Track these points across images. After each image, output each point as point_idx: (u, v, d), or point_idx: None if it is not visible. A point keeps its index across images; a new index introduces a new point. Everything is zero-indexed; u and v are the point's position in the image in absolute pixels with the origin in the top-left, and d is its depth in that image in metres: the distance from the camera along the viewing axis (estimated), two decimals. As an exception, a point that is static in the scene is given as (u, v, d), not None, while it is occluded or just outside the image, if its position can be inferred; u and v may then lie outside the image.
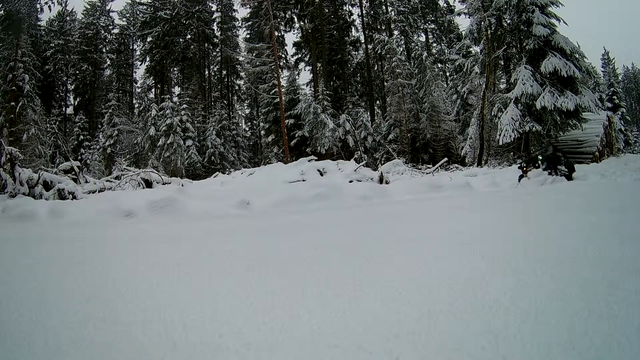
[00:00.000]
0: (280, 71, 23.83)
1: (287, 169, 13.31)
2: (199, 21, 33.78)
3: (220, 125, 27.66)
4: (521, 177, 9.57)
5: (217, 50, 35.07)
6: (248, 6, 30.12)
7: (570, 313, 1.13)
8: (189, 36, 33.98)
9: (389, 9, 31.05)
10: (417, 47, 27.21)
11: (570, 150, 16.57)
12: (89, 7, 35.00)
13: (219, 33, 35.19)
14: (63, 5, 30.34)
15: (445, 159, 15.94)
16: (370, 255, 2.11)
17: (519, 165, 10.35)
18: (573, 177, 9.90)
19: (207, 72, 35.79)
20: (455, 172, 13.96)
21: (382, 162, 19.64)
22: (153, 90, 34.45)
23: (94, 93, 33.17)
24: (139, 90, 35.71)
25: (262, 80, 26.80)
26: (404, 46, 29.27)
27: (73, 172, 11.30)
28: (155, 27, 32.85)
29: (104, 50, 35.03)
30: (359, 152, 21.30)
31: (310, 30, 29.06)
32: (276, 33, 26.09)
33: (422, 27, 32.12)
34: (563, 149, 16.71)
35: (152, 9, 34.09)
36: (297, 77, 27.78)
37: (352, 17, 31.16)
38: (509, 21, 17.13)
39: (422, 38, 32.63)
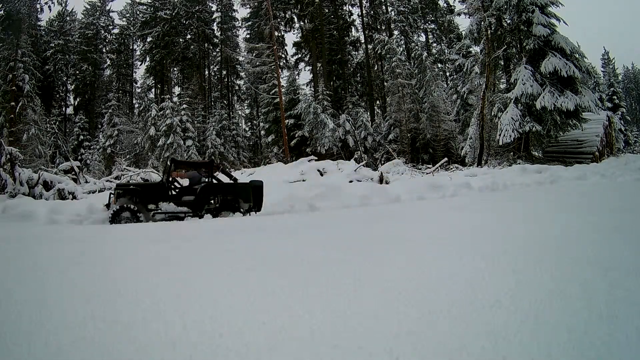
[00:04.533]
0: (280, 71, 23.83)
1: (287, 169, 13.31)
2: (199, 21, 33.77)
3: (220, 125, 27.65)
4: (109, 205, 6.27)
5: (217, 50, 35.07)
6: (248, 6, 30.10)
7: (570, 313, 1.13)
8: (189, 36, 33.96)
9: (389, 9, 31.03)
10: (417, 47, 27.21)
11: (570, 150, 16.57)
12: (89, 7, 34.97)
13: (219, 33, 35.17)
14: (63, 5, 30.27)
15: (445, 159, 15.95)
16: (370, 255, 2.11)
17: (112, 192, 6.54)
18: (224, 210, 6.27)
19: (207, 72, 35.78)
20: (455, 172, 13.95)
21: (382, 162, 19.63)
22: (153, 90, 34.42)
23: (94, 93, 33.14)
24: (139, 90, 35.68)
25: (262, 80, 26.79)
26: (404, 46, 29.25)
27: (73, 172, 11.31)
28: (155, 27, 32.83)
29: (104, 50, 35.00)
30: (359, 152, 21.30)
31: (310, 30, 29.05)
32: (276, 33, 26.09)
33: (422, 27, 32.10)
34: (559, 149, 16.63)
35: (152, 9, 34.07)
36: (297, 77, 27.79)
37: (352, 17, 31.18)
38: (509, 21, 17.13)
39: (422, 38, 32.65)
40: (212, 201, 6.39)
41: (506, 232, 2.65)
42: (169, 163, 6.79)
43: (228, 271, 1.86)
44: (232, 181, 6.93)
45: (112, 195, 6.29)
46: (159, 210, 6.07)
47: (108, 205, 6.21)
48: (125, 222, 5.69)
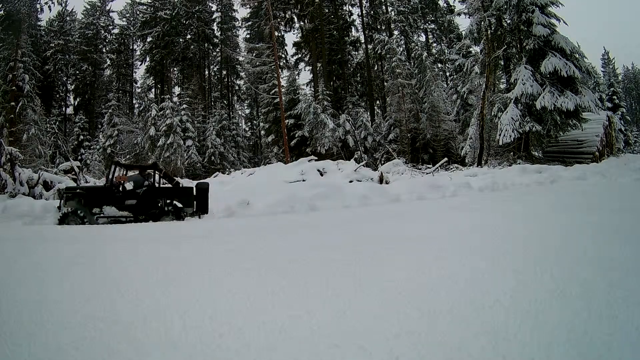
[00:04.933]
0: (280, 71, 23.80)
1: (287, 169, 13.30)
2: (199, 21, 33.77)
3: (220, 125, 27.65)
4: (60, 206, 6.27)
5: (217, 50, 35.08)
6: (248, 6, 30.09)
7: (570, 313, 1.13)
8: (189, 36, 33.97)
9: (389, 9, 31.01)
10: (417, 47, 27.18)
11: (570, 150, 16.56)
12: (89, 7, 34.99)
13: (219, 33, 35.19)
14: (63, 5, 30.18)
15: (445, 159, 15.94)
16: (370, 255, 2.11)
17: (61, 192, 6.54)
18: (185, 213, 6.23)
19: (207, 72, 35.79)
20: (455, 172, 13.94)
21: (382, 162, 19.63)
22: (153, 90, 34.43)
23: (94, 93, 33.16)
24: (139, 90, 35.70)
25: (262, 80, 26.79)
26: (404, 46, 29.23)
27: (73, 172, 11.31)
28: (155, 27, 32.84)
29: (104, 50, 35.02)
30: (359, 152, 21.29)
31: (310, 30, 29.04)
32: (276, 33, 26.08)
33: (422, 27, 32.09)
34: (559, 149, 16.63)
35: (152, 9, 34.09)
36: (297, 77, 27.71)
37: (352, 17, 31.14)
38: (509, 21, 17.11)
39: (422, 38, 32.62)
40: (159, 205, 6.26)
41: (506, 232, 2.65)
42: (112, 165, 6.74)
43: (228, 271, 1.86)
44: (173, 185, 6.77)
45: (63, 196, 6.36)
46: (102, 214, 6.11)
47: (60, 207, 6.29)
48: (72, 224, 5.82)
